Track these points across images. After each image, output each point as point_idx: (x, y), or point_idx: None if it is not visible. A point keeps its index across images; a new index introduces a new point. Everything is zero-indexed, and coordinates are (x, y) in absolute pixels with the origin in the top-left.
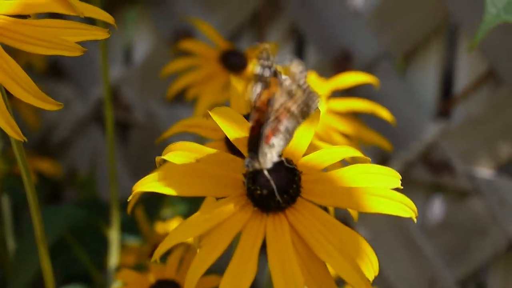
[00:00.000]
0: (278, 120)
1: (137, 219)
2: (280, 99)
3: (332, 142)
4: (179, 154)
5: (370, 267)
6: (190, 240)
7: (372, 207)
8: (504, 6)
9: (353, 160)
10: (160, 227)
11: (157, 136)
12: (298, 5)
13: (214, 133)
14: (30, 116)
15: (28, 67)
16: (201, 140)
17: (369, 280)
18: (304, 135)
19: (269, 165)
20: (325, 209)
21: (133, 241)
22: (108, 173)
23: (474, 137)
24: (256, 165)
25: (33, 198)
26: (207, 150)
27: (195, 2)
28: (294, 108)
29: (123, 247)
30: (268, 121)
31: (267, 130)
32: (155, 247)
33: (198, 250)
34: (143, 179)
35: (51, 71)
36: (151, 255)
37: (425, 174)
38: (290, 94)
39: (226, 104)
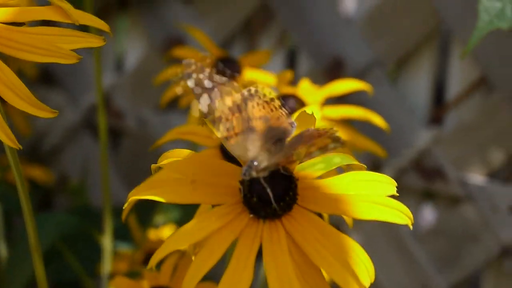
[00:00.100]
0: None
1: (129, 226)
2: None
3: None
4: (174, 162)
5: (366, 273)
6: (183, 247)
7: (368, 214)
8: (496, 13)
9: (348, 168)
10: (152, 234)
11: (149, 144)
12: (290, 13)
13: (209, 140)
14: (21, 123)
15: (20, 75)
16: (194, 147)
17: (365, 287)
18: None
19: (266, 173)
20: (320, 215)
21: (125, 248)
22: (101, 180)
23: (466, 143)
24: (253, 173)
25: (27, 205)
26: (203, 157)
27: (186, 9)
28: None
29: (115, 254)
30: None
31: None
32: (147, 254)
33: (193, 258)
34: (138, 186)
35: (42, 78)
36: (144, 262)
37: (417, 181)
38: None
39: None
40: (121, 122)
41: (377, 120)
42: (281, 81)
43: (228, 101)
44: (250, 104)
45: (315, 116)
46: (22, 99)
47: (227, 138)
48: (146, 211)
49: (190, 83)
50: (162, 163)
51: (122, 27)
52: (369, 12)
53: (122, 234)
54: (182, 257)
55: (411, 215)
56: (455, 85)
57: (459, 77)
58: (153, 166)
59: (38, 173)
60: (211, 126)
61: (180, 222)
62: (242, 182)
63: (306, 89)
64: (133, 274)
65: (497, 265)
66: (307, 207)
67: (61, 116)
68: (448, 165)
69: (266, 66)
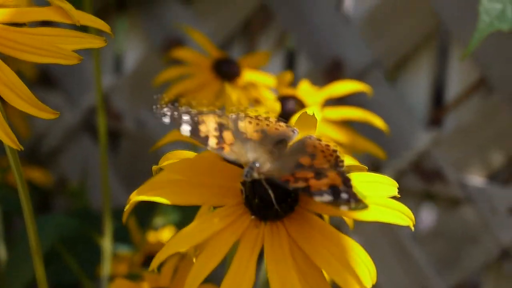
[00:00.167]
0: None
1: (129, 228)
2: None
3: None
4: (176, 163)
5: (368, 275)
6: (185, 249)
7: (370, 215)
8: (497, 15)
9: (349, 169)
10: (152, 236)
11: (147, 145)
12: (289, 14)
13: None
14: (21, 125)
15: (19, 76)
16: (195, 149)
17: None
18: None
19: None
20: (320, 216)
21: (125, 250)
22: (101, 182)
23: (466, 145)
24: (255, 175)
25: (28, 206)
26: (204, 158)
27: (185, 10)
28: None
29: (115, 256)
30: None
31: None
32: (147, 256)
33: (194, 260)
34: (139, 188)
35: (41, 80)
36: (143, 264)
37: (416, 183)
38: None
39: None
40: (120, 123)
41: (377, 121)
42: (280, 82)
43: (212, 124)
44: (241, 123)
45: (316, 117)
46: (23, 100)
47: (219, 149)
48: (146, 213)
49: (166, 119)
50: (163, 164)
51: (121, 28)
52: (368, 13)
53: (121, 236)
54: (182, 260)
55: (412, 217)
56: (455, 86)
57: (458, 78)
58: (154, 167)
59: (37, 174)
60: (200, 144)
61: (180, 224)
62: (243, 184)
63: (305, 90)
64: (133, 276)
65: (497, 267)
66: (309, 208)
67: (60, 117)
68: (447, 166)
69: (265, 68)
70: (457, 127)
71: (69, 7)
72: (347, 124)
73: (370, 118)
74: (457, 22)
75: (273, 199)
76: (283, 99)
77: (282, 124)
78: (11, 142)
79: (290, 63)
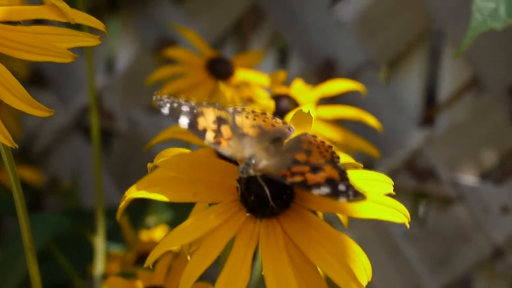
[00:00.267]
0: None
1: (121, 227)
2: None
3: None
4: (171, 160)
5: (363, 272)
6: (181, 245)
7: (366, 213)
8: (490, 13)
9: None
10: (144, 235)
11: (139, 145)
12: (282, 14)
13: None
14: (12, 124)
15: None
16: (189, 147)
17: (362, 285)
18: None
19: (264, 172)
20: (314, 214)
21: (117, 249)
22: (94, 181)
23: (458, 144)
24: (251, 171)
25: (22, 206)
26: (199, 156)
27: (178, 10)
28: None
29: (107, 255)
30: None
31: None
32: (139, 255)
33: (189, 257)
34: (135, 185)
35: (33, 79)
36: (136, 263)
37: (409, 181)
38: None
39: None
40: (112, 123)
41: (371, 120)
42: (274, 81)
43: (211, 117)
44: (238, 117)
45: (311, 115)
46: (18, 98)
47: (216, 143)
48: (138, 212)
49: (165, 110)
50: (158, 161)
51: (113, 28)
52: (361, 13)
53: (113, 235)
54: (176, 258)
55: (408, 214)
56: (447, 85)
57: (450, 77)
58: (149, 164)
59: (29, 174)
60: (197, 138)
61: (172, 223)
62: (239, 181)
63: (299, 89)
64: (126, 275)
65: (489, 266)
66: (304, 205)
67: (51, 117)
68: (440, 165)
69: (258, 67)
70: (449, 126)
71: (63, 5)
72: (340, 123)
73: (364, 116)
74: (450, 21)
75: (268, 196)
76: (277, 98)
77: (278, 120)
78: (5, 139)
79: (282, 63)
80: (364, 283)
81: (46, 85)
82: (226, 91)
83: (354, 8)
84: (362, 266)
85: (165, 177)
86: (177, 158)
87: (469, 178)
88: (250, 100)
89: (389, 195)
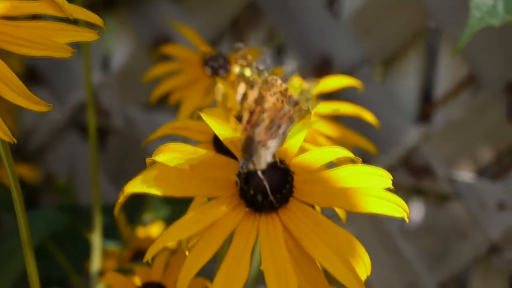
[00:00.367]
0: (278, 125)
1: (118, 223)
2: (271, 99)
3: (317, 145)
4: (169, 155)
5: (363, 266)
6: (180, 240)
7: (366, 207)
8: (488, 10)
9: (339, 162)
10: (141, 232)
11: (135, 142)
12: (278, 11)
13: (202, 135)
14: (8, 121)
15: None
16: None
17: (361, 280)
18: (296, 135)
19: (263, 166)
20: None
21: (113, 246)
22: (91, 178)
23: (455, 141)
24: (250, 166)
25: (20, 201)
26: (198, 151)
27: (174, 8)
28: (292, 112)
29: (104, 252)
30: (263, 124)
31: (266, 135)
32: (136, 251)
33: (187, 252)
34: (133, 179)
35: (28, 76)
36: (132, 259)
37: (406, 178)
38: (284, 95)
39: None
40: (107, 120)
41: (368, 116)
42: None
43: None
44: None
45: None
46: (17, 93)
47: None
48: (135, 209)
49: (247, 72)
50: (157, 156)
51: (109, 25)
52: (357, 10)
53: (110, 232)
54: (173, 254)
55: (407, 209)
56: (444, 82)
57: (447, 74)
58: (147, 159)
59: (25, 171)
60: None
61: (169, 220)
62: (238, 175)
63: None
64: (122, 271)
65: (485, 262)
66: (304, 200)
67: (47, 114)
68: (436, 162)
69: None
70: (446, 123)
71: (61, 0)
72: (336, 120)
73: (361, 113)
74: (447, 18)
75: (268, 190)
76: None
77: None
78: (3, 134)
79: (278, 60)
80: (363, 278)
81: (41, 82)
82: (224, 86)
83: (350, 5)
84: (361, 260)
85: (164, 172)
86: (175, 152)
87: (465, 175)
88: None
89: (388, 189)
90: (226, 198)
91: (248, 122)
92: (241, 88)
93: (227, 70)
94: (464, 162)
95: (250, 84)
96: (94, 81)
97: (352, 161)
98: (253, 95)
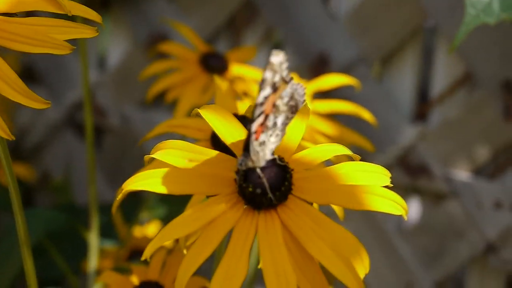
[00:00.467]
0: (264, 115)
1: (114, 222)
2: (264, 92)
3: (315, 143)
4: (168, 152)
5: (361, 264)
6: (178, 237)
7: (365, 205)
8: (483, 8)
9: (337, 160)
10: (137, 231)
11: (132, 141)
12: (275, 9)
13: (200, 133)
14: (5, 120)
15: None
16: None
17: (360, 277)
18: (295, 132)
19: (262, 163)
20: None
21: (110, 245)
22: (87, 177)
23: (451, 139)
24: (249, 163)
25: (17, 200)
26: (197, 148)
27: (170, 6)
28: (279, 102)
29: (100, 251)
30: (255, 116)
31: (255, 126)
32: (133, 250)
33: (185, 251)
34: (132, 177)
35: (24, 75)
36: (129, 258)
37: (402, 177)
38: (274, 87)
39: None
40: (103, 119)
41: (366, 115)
42: None
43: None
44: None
45: (308, 107)
46: (16, 90)
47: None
48: (132, 208)
49: (277, 78)
50: (155, 154)
51: (105, 24)
52: (354, 9)
53: (106, 231)
54: (170, 253)
55: (406, 206)
56: (440, 81)
57: (443, 73)
58: (146, 157)
59: (20, 170)
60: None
61: (166, 219)
62: (237, 172)
63: None
64: (119, 270)
65: (482, 262)
66: (303, 197)
67: (43, 113)
68: (433, 161)
69: (251, 62)
70: (442, 122)
71: None
72: (333, 118)
73: (358, 111)
74: (443, 16)
75: (267, 188)
76: None
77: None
78: (1, 131)
79: None
80: (362, 275)
81: (37, 81)
82: (222, 84)
83: (347, 4)
84: (360, 258)
85: (162, 169)
86: (174, 150)
87: (462, 174)
88: (245, 95)
89: (386, 187)
90: (224, 196)
91: (262, 124)
92: (266, 91)
93: (224, 68)
94: (461, 161)
95: (274, 89)
96: (91, 79)
97: (351, 159)
98: (272, 99)
